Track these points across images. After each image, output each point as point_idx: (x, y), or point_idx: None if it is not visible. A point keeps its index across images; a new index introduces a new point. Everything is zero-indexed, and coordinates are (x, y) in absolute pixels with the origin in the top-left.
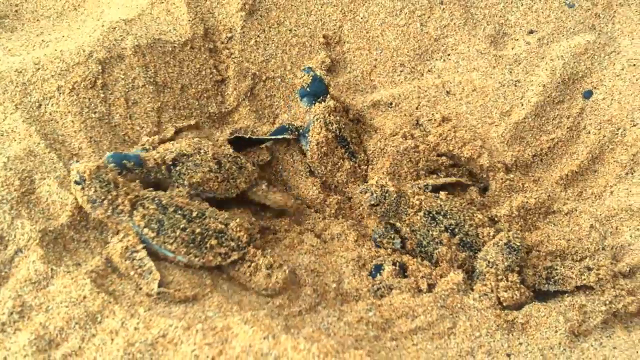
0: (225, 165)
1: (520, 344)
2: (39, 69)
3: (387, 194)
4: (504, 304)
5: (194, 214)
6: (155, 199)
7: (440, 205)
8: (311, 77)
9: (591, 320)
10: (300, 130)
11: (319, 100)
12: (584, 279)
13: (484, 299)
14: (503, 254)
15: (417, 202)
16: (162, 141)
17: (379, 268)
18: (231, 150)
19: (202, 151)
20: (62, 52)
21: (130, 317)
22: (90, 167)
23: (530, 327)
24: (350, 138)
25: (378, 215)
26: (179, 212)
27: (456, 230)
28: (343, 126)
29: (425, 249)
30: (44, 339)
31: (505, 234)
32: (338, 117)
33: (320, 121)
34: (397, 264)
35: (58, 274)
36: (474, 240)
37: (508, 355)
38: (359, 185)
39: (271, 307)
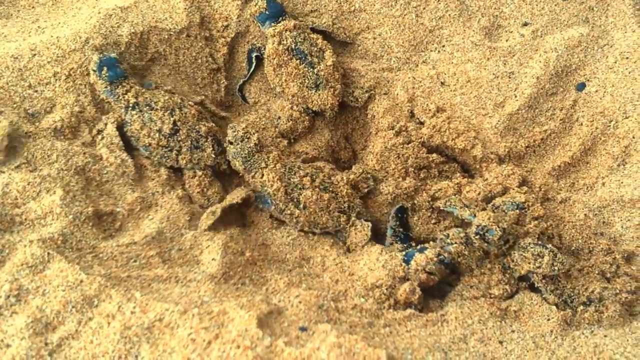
0: (179, 137)
1: (513, 331)
2: (35, 55)
3: (247, 139)
4: (495, 299)
5: None
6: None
7: (293, 162)
8: (266, 2)
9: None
10: (263, 50)
11: (279, 21)
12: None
13: (472, 290)
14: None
15: (273, 158)
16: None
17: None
18: (204, 129)
19: (169, 112)
20: (59, 39)
21: (126, 301)
22: None
23: (523, 315)
24: (309, 51)
25: (230, 155)
26: None
27: (314, 176)
28: (301, 40)
29: (291, 195)
30: (41, 322)
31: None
32: (295, 33)
33: (275, 37)
34: (442, 257)
35: (54, 258)
36: (331, 184)
37: (500, 342)
38: (314, 92)
39: (266, 293)
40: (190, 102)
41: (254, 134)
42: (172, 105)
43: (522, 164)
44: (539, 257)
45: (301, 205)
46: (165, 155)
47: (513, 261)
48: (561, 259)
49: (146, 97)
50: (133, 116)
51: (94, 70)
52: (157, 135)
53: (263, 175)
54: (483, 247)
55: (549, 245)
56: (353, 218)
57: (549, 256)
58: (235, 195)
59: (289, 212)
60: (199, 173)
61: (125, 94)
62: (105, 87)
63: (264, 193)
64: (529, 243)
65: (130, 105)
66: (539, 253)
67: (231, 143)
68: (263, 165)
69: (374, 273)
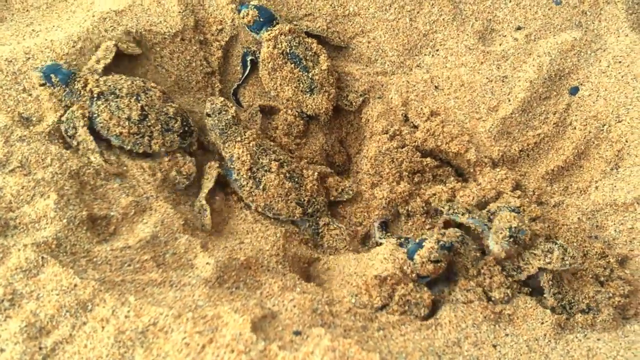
0: (149, 122)
1: (507, 335)
2: (29, 58)
3: (224, 111)
4: (496, 303)
5: None
6: None
7: (271, 146)
8: (256, 9)
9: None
10: (257, 54)
11: (274, 24)
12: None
13: (468, 293)
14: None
15: (249, 134)
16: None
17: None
18: (172, 110)
19: (135, 98)
20: (53, 42)
21: (120, 305)
22: None
23: (517, 319)
24: (304, 55)
25: (207, 128)
26: None
27: (284, 164)
28: (296, 44)
29: (255, 174)
30: (35, 326)
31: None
32: (290, 37)
33: (270, 41)
34: (441, 243)
35: (49, 262)
36: (299, 176)
37: (494, 346)
38: (309, 96)
39: (260, 297)
40: (152, 84)
41: (231, 107)
42: (137, 90)
43: (515, 168)
44: (548, 253)
45: (261, 186)
46: (138, 142)
47: (523, 260)
48: (572, 253)
49: (109, 85)
50: (99, 107)
51: (43, 85)
52: (126, 123)
53: (235, 147)
54: (512, 250)
55: (558, 241)
56: (327, 220)
57: (558, 251)
58: (210, 177)
59: (247, 189)
60: (166, 158)
61: (85, 86)
62: (64, 92)
63: (230, 164)
64: (539, 241)
65: (95, 95)
66: (549, 249)
67: (209, 115)
68: (239, 138)
69: (380, 265)
